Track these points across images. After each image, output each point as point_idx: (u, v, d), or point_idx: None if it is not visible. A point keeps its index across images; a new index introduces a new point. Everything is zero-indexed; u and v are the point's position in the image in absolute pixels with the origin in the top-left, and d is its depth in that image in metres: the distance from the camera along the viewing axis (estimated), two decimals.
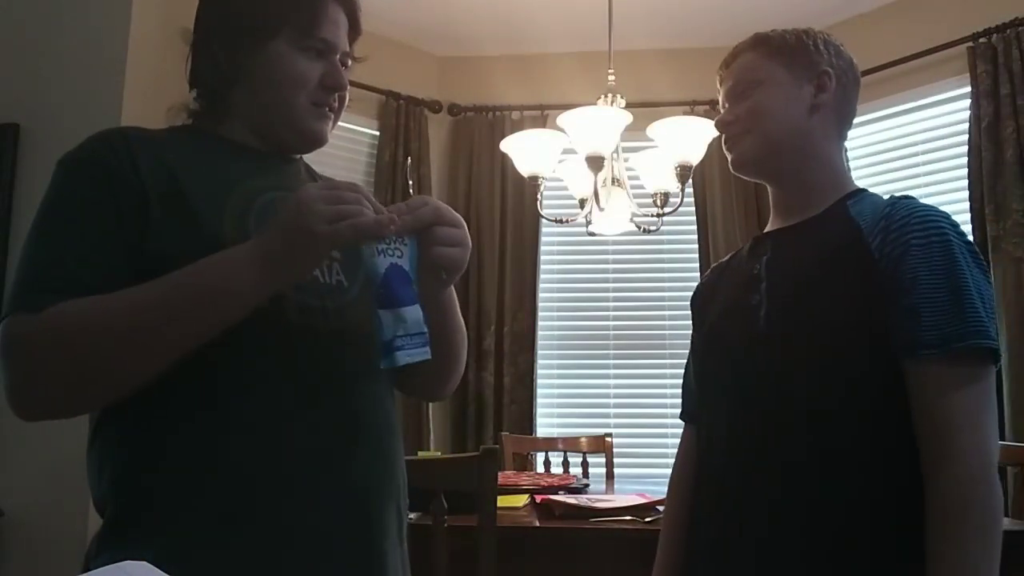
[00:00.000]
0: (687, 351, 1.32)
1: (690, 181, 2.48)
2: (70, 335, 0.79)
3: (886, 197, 1.11)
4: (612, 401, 3.47)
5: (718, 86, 1.24)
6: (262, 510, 0.84)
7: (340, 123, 1.06)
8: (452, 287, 0.99)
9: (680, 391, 1.33)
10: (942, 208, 1.05)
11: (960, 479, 0.93)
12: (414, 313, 0.82)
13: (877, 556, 0.97)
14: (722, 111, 1.23)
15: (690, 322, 1.32)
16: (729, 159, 1.20)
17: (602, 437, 3.05)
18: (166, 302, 0.80)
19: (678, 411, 1.32)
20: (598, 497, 2.00)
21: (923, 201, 1.06)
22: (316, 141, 1.03)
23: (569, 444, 3.01)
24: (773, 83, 1.15)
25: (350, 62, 1.05)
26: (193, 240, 0.85)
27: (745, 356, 1.10)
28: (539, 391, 3.54)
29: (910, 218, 1.01)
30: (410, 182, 0.97)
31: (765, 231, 1.21)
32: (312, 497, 0.87)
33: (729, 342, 1.14)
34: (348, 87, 1.02)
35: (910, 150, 3.22)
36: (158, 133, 0.98)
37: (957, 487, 0.93)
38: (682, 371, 1.33)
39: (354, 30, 1.05)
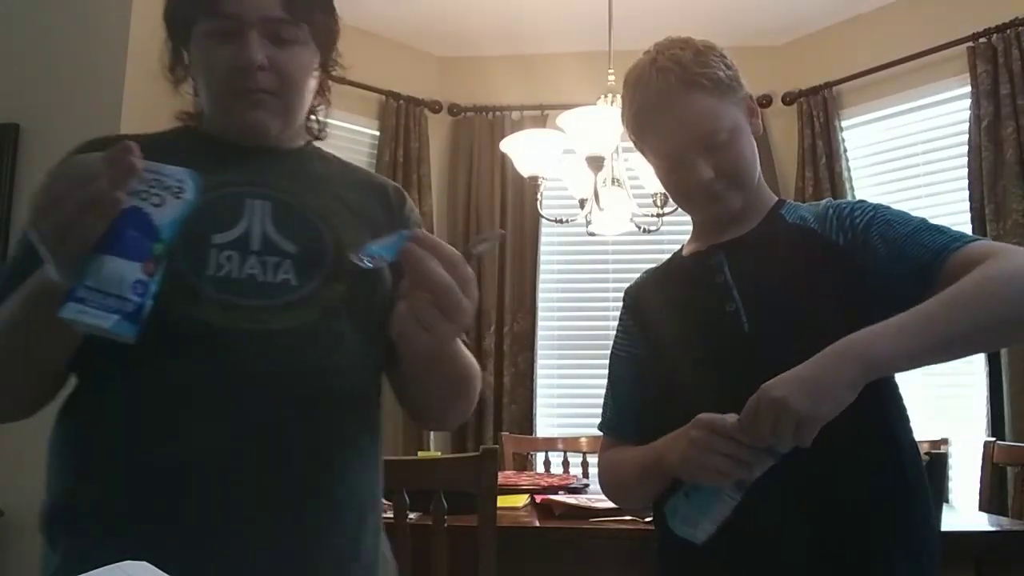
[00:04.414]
0: None
1: None
2: None
3: (805, 204, 1.17)
4: None
5: (652, 137, 1.14)
6: (165, 514, 0.80)
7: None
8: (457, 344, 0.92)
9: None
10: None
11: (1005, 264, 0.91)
12: (116, 268, 0.66)
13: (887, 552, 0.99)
14: (673, 166, 1.13)
15: None
16: (709, 213, 1.15)
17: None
18: (10, 311, 0.80)
19: None
20: (598, 497, 2.00)
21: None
22: (254, 133, 0.94)
23: (569, 444, 3.01)
24: (740, 128, 1.11)
25: (299, 31, 0.93)
26: None
27: (732, 361, 1.08)
28: (539, 391, 3.55)
29: (852, 203, 1.11)
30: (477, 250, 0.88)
31: (711, 244, 1.17)
32: (223, 505, 0.81)
33: (711, 351, 1.11)
34: (287, 62, 0.92)
35: (910, 150, 3.22)
36: (142, 138, 0.94)
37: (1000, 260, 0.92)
38: None
39: None
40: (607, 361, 1.28)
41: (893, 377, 1.06)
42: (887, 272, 1.02)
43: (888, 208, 1.08)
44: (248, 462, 0.82)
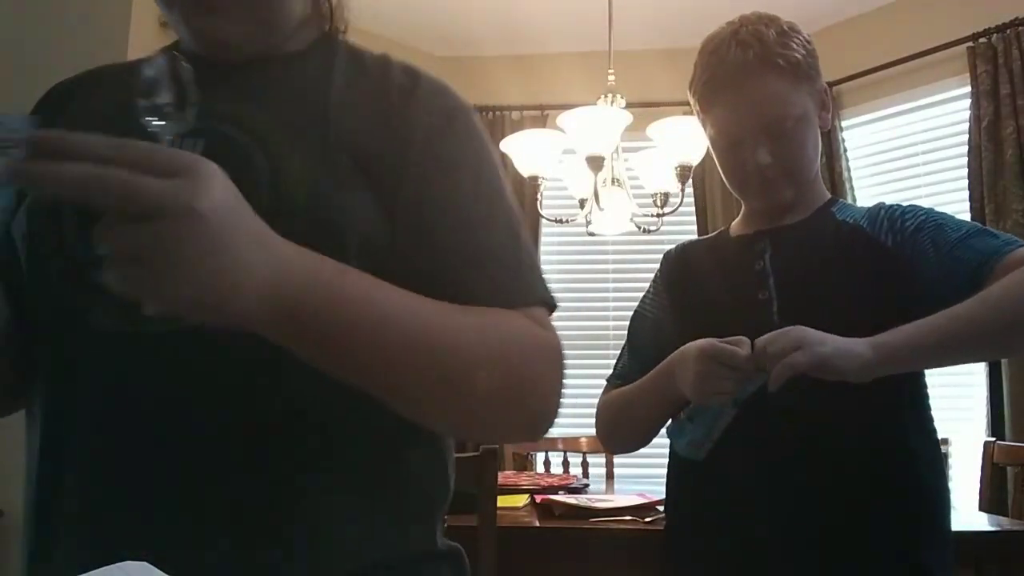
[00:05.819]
0: None
1: (690, 181, 2.48)
2: None
3: (858, 205, 1.17)
4: None
5: (717, 111, 1.13)
6: (60, 553, 0.64)
7: None
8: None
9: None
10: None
11: None
12: None
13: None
14: (732, 144, 1.12)
15: None
16: (758, 201, 1.15)
17: None
18: None
19: None
20: (598, 497, 2.00)
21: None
22: (211, 45, 0.68)
23: (569, 444, 3.00)
24: (808, 118, 1.10)
25: None
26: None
27: None
28: None
29: (904, 207, 1.10)
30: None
31: (757, 230, 1.18)
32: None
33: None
34: None
35: (910, 150, 3.22)
36: (127, 65, 0.78)
37: None
38: None
39: None
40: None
41: (923, 385, 1.06)
42: (936, 276, 1.01)
43: (943, 213, 1.07)
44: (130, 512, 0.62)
